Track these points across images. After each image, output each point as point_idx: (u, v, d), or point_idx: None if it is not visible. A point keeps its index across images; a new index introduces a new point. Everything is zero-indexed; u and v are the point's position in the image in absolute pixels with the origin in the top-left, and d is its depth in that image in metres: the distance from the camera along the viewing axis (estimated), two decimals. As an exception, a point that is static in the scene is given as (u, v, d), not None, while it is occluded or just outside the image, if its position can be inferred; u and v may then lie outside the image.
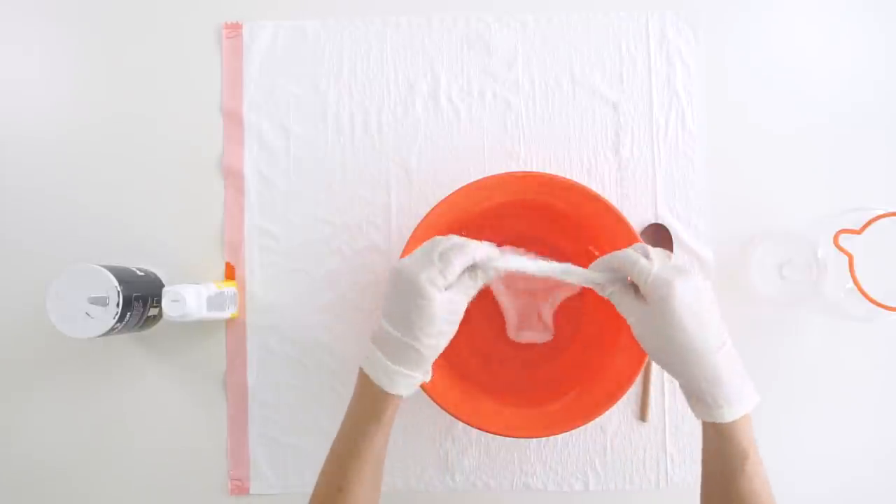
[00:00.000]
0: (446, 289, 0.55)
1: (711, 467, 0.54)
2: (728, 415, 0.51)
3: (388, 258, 0.76)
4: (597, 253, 0.70)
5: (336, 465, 0.57)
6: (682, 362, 0.52)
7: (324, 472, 0.58)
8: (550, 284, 0.71)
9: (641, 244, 0.57)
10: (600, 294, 0.58)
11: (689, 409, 0.57)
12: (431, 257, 0.55)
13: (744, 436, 0.52)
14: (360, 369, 0.58)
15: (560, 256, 0.73)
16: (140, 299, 0.68)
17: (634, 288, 0.55)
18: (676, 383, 0.60)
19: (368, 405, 0.57)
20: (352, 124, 0.77)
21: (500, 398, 0.71)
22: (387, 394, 0.56)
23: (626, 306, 0.55)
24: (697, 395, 0.52)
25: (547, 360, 0.74)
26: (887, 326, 0.72)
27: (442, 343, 0.56)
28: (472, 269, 0.57)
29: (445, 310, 0.54)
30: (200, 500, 0.76)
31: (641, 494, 0.75)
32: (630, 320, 0.55)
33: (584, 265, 0.60)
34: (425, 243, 0.58)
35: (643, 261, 0.53)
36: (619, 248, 0.58)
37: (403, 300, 0.54)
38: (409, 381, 0.56)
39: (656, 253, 0.55)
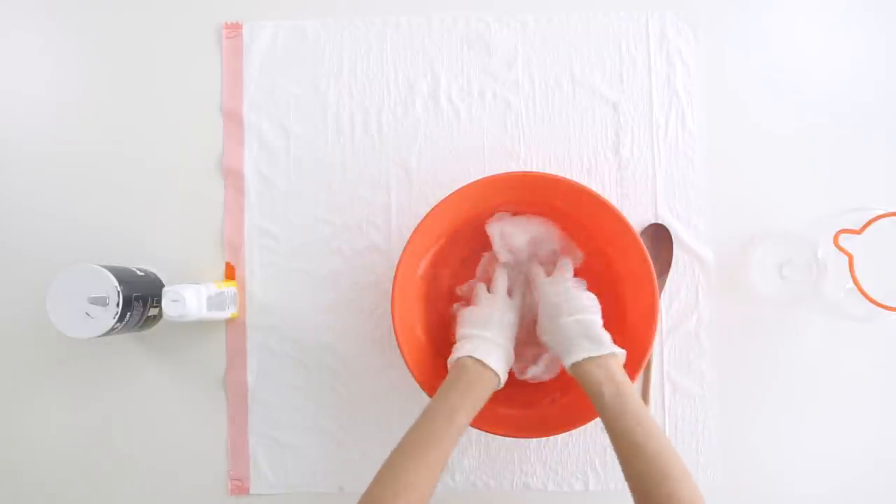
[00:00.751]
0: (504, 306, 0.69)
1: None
2: (570, 360, 0.62)
3: (388, 258, 0.76)
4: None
5: (422, 436, 0.59)
6: (547, 329, 0.67)
7: (402, 447, 0.58)
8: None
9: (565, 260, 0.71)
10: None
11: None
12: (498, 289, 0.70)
13: (594, 379, 0.60)
14: (452, 362, 0.64)
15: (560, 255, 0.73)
16: (140, 299, 0.68)
17: None
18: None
19: (463, 383, 0.62)
20: (352, 124, 0.77)
21: (500, 398, 0.71)
22: (481, 368, 0.63)
23: None
24: (558, 350, 0.65)
25: (547, 360, 0.74)
26: (887, 326, 0.72)
27: (504, 333, 0.67)
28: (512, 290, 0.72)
29: (505, 315, 0.68)
30: (200, 500, 0.76)
31: (641, 494, 0.75)
32: None
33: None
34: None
35: (535, 268, 0.71)
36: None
37: (479, 308, 0.68)
38: (496, 352, 0.64)
39: (561, 266, 0.71)
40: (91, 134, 0.78)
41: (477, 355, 0.63)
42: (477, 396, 0.61)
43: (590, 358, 0.61)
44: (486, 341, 0.65)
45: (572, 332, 0.63)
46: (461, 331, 0.67)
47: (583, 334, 0.63)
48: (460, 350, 0.64)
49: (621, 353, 0.63)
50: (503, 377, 0.64)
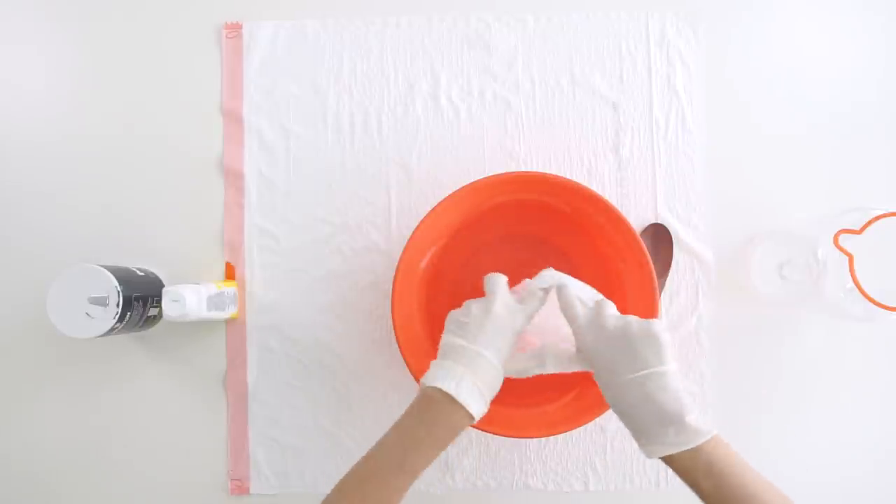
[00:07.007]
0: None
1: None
2: (652, 451, 0.53)
3: (388, 258, 0.76)
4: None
5: (376, 475, 0.53)
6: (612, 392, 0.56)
7: (361, 481, 0.53)
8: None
9: (601, 300, 0.59)
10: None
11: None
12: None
13: (687, 470, 0.53)
14: (419, 388, 0.56)
15: (560, 256, 0.73)
16: (140, 299, 0.68)
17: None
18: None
19: (424, 427, 0.53)
20: (352, 124, 0.77)
21: (501, 398, 0.71)
22: (450, 407, 0.53)
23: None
24: (629, 427, 0.55)
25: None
26: (887, 326, 0.71)
27: (497, 345, 0.56)
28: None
29: (505, 316, 0.57)
30: (200, 500, 0.76)
31: (641, 494, 0.75)
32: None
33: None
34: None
35: (578, 307, 0.58)
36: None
37: (472, 310, 0.57)
38: (454, 374, 0.53)
39: (594, 301, 0.59)
40: (91, 133, 0.78)
41: (447, 388, 0.52)
42: (439, 438, 0.53)
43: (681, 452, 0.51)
44: (468, 360, 0.54)
45: (647, 412, 0.52)
46: (444, 336, 0.57)
47: (666, 419, 0.52)
48: (430, 375, 0.54)
49: (712, 433, 0.53)
50: (478, 414, 0.54)
